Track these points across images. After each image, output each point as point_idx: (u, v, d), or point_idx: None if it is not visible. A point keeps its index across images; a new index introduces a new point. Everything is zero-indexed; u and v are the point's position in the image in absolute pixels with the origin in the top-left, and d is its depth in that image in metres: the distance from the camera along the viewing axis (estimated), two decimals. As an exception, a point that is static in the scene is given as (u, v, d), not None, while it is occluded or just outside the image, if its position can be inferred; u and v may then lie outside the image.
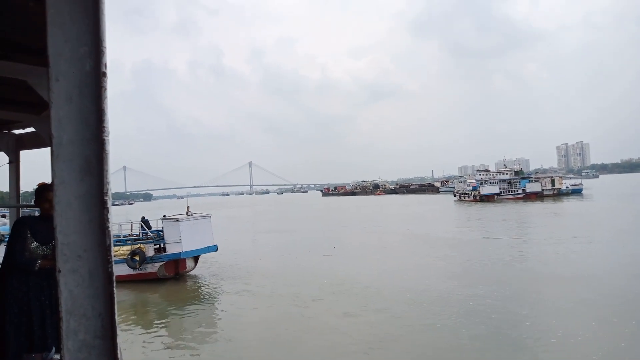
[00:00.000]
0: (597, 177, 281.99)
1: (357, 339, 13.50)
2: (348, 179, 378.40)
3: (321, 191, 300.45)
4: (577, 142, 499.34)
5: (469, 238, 36.27)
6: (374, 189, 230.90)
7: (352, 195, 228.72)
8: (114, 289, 0.90)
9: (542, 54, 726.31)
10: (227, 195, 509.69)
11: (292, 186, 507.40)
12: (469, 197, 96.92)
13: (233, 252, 32.83)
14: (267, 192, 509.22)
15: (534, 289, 18.36)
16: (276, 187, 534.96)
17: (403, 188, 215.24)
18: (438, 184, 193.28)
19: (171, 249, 23.68)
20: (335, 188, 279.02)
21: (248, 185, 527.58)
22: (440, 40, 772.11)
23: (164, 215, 25.47)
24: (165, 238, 23.88)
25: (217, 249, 25.45)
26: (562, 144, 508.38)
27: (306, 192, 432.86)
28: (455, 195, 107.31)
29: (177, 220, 23.82)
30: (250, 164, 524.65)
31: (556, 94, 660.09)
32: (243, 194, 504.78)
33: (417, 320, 15.03)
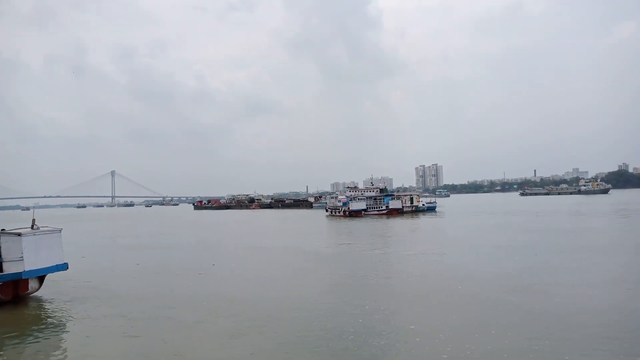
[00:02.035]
0: (448, 196, 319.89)
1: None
2: (223, 192, 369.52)
3: (193, 204, 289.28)
4: (432, 164, 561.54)
5: (340, 251, 38.22)
6: (250, 203, 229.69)
7: (227, 209, 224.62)
8: None
9: (406, 82, 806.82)
10: (84, 207, 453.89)
11: (162, 198, 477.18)
12: (339, 212, 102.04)
13: (90, 271, 29.91)
14: (131, 205, 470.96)
15: (391, 300, 20.40)
16: (143, 199, 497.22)
17: (278, 202, 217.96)
18: (312, 200, 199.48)
19: (9, 268, 20.42)
20: (209, 201, 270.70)
21: (109, 196, 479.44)
22: (316, 62, 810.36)
23: (2, 229, 21.92)
24: (3, 255, 20.50)
25: (67, 268, 22.76)
26: (420, 166, 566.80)
27: (177, 205, 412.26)
28: (327, 211, 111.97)
29: (19, 234, 20.64)
30: (112, 172, 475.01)
31: (417, 120, 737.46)
32: (103, 206, 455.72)
33: (290, 338, 15.53)
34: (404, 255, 34.47)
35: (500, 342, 13.88)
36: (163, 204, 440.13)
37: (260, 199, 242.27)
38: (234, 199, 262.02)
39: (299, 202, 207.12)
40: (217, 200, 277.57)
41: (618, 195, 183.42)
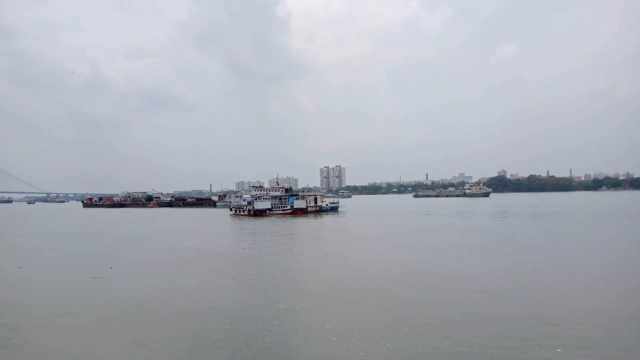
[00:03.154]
0: (350, 196, 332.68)
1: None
2: (117, 189, 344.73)
3: (82, 202, 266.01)
4: (336, 166, 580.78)
5: (247, 252, 37.79)
6: (147, 201, 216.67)
7: (121, 207, 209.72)
8: None
9: (313, 85, 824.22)
10: None
11: (46, 195, 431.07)
12: (243, 211, 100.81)
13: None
14: (10, 201, 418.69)
15: (304, 300, 20.30)
16: (23, 196, 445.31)
17: (179, 201, 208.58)
18: (216, 198, 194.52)
19: None
20: (100, 199, 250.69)
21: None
22: (224, 59, 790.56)
23: None
24: None
25: None
26: (325, 167, 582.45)
27: (63, 202, 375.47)
28: (231, 210, 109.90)
29: None
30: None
31: (323, 123, 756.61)
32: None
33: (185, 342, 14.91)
34: (311, 254, 34.75)
35: (414, 339, 14.28)
36: (47, 201, 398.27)
37: (159, 197, 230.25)
38: (129, 196, 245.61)
39: (202, 201, 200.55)
40: (110, 197, 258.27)
41: (497, 198, 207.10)
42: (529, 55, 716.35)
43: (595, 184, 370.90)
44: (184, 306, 19.01)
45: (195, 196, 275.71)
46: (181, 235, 54.42)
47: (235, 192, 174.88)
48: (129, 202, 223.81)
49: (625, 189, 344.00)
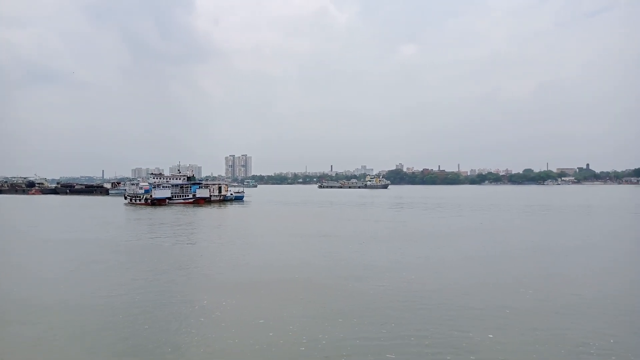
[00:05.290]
0: (256, 186, 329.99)
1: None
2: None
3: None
4: (242, 155, 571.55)
5: (145, 243, 34.65)
6: (28, 187, 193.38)
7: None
8: None
9: (220, 71, 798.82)
10: None
11: None
12: (140, 200, 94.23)
13: None
14: None
15: (228, 294, 19.01)
16: None
17: (66, 188, 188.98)
18: (108, 186, 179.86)
19: None
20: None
21: None
22: (121, 34, 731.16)
23: None
24: None
25: None
26: (230, 156, 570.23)
27: None
28: (126, 199, 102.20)
29: None
30: None
31: (230, 110, 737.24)
32: None
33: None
34: (223, 245, 33.28)
35: (351, 329, 13.99)
36: None
37: (42, 184, 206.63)
38: (6, 181, 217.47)
39: (93, 188, 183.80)
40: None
41: (395, 190, 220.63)
42: (427, 56, 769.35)
43: (480, 179, 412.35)
44: (95, 306, 16.89)
45: (85, 183, 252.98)
46: (71, 226, 48.99)
47: (131, 180, 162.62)
48: (6, 187, 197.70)
49: (504, 183, 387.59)
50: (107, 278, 21.81)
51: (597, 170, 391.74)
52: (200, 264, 25.78)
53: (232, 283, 20.73)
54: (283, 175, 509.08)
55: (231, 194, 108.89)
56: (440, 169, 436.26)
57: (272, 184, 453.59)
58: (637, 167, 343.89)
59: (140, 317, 15.34)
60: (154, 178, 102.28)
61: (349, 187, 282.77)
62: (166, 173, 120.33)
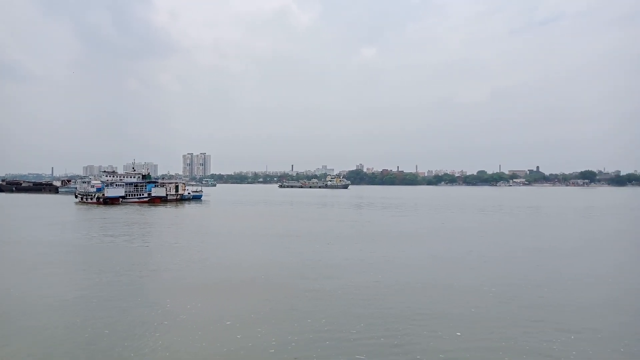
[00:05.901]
0: (214, 185, 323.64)
1: None
2: None
3: None
4: (201, 153, 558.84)
5: (104, 245, 32.75)
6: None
7: None
8: None
9: (178, 67, 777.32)
10: None
11: None
12: (92, 199, 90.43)
13: None
14: None
15: (193, 296, 18.55)
16: None
17: (12, 185, 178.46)
18: (58, 183, 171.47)
19: None
20: None
21: None
22: (74, 27, 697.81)
23: None
24: None
25: None
26: (188, 154, 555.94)
27: None
28: (77, 197, 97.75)
29: None
30: None
31: (188, 107, 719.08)
32: None
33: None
34: (181, 246, 32.40)
35: (320, 330, 13.93)
36: None
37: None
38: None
39: (41, 186, 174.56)
40: None
41: (355, 190, 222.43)
42: (387, 58, 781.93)
43: (436, 180, 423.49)
44: (51, 310, 15.97)
45: (33, 180, 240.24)
46: (19, 227, 46.23)
47: (82, 177, 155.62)
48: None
49: (459, 184, 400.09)
50: (62, 281, 20.78)
51: (547, 173, 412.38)
52: (161, 265, 24.92)
53: (195, 285, 20.19)
54: (243, 174, 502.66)
55: (189, 193, 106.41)
56: (399, 169, 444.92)
57: (231, 183, 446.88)
58: (583, 170, 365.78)
59: (101, 321, 14.64)
60: (106, 176, 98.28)
61: (310, 187, 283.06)
62: (120, 171, 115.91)
